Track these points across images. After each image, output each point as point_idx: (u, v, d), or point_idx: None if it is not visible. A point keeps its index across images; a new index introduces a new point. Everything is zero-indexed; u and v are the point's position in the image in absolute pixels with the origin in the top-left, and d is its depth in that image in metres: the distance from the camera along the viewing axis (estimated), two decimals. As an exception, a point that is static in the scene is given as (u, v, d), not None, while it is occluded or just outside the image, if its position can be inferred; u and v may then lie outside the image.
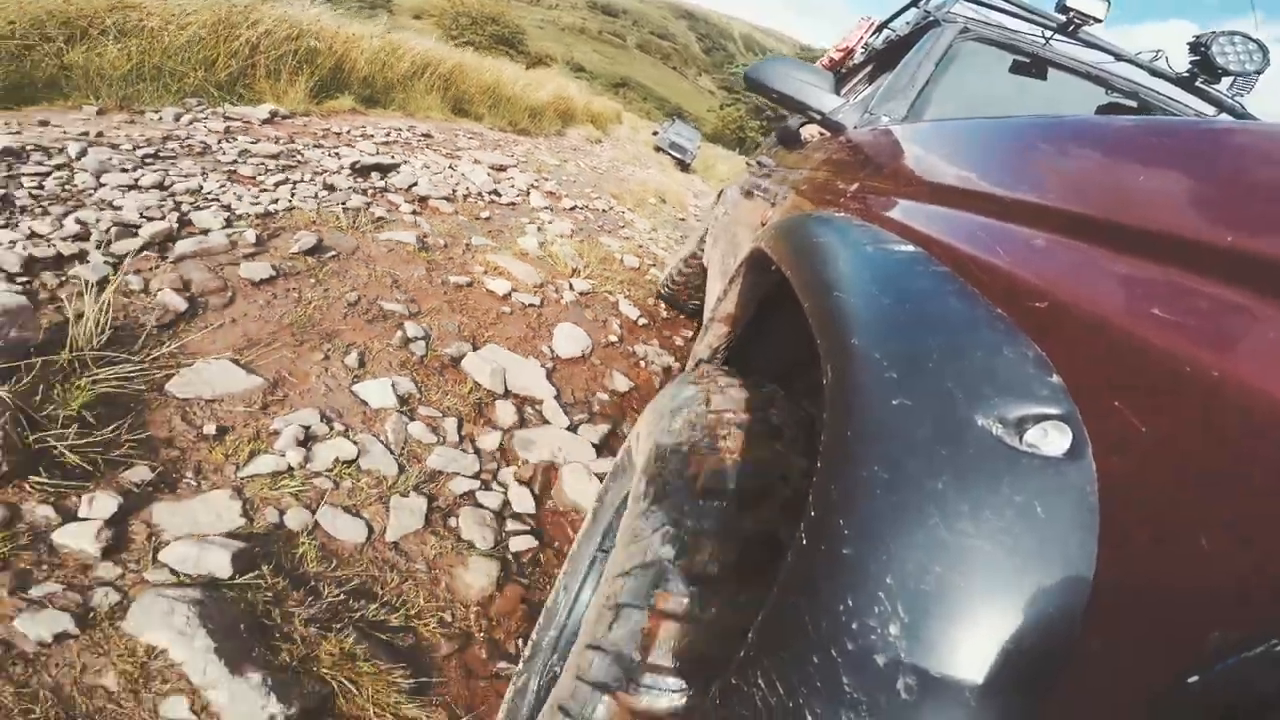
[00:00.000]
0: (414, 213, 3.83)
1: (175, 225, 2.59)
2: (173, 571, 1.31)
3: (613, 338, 3.22)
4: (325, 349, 2.19)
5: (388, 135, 5.75)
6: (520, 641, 1.53)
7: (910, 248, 0.74)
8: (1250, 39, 1.83)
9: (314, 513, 1.58)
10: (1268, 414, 0.35)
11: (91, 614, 1.20)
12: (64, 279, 2.06)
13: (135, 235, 2.43)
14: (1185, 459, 0.38)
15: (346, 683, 1.25)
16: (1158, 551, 0.37)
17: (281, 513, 1.55)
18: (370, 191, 3.93)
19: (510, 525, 1.81)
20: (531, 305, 3.13)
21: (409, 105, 7.71)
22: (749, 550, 0.69)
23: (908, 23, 2.56)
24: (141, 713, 1.09)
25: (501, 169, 5.95)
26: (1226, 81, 2.01)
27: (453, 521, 1.74)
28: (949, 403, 0.48)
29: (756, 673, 0.46)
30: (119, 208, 2.60)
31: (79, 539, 1.30)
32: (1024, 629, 0.40)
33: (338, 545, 1.55)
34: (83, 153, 3.02)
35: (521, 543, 1.76)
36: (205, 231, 2.64)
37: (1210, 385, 0.38)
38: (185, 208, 2.80)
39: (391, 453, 1.86)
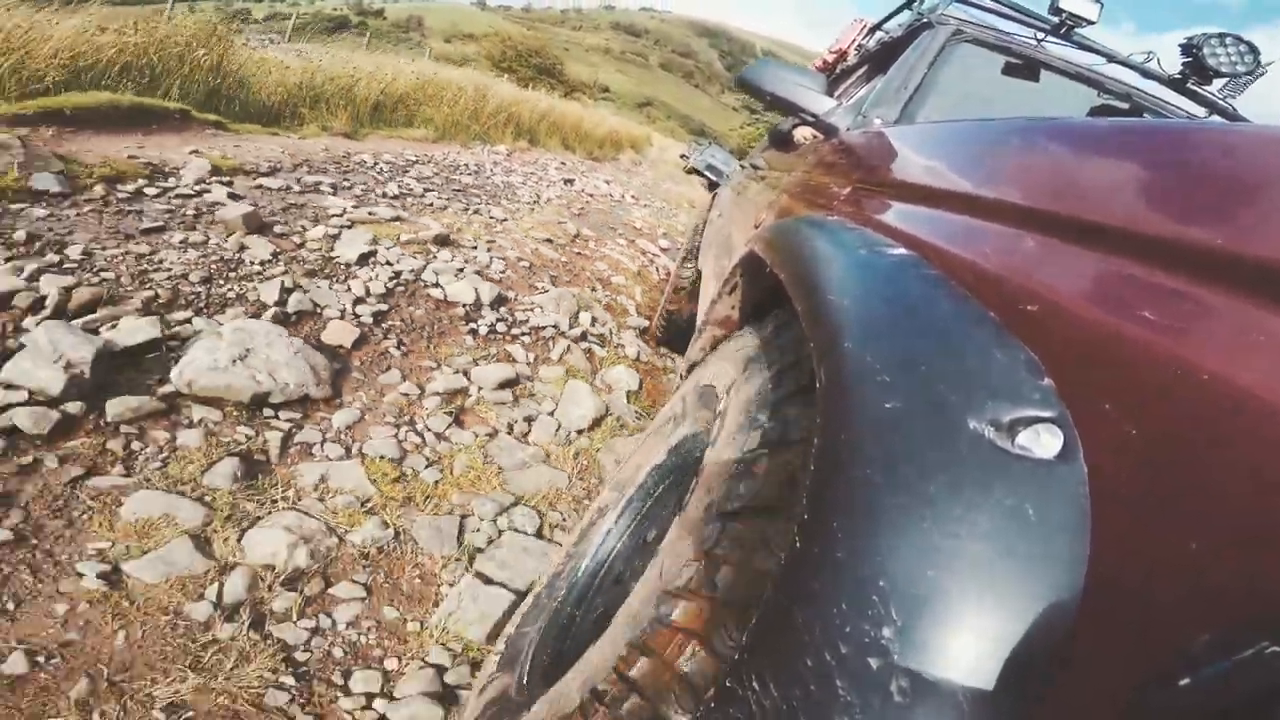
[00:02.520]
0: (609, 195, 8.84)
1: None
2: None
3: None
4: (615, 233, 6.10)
5: (561, 163, 10.94)
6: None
7: (902, 251, 0.75)
8: (1242, 41, 1.86)
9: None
10: (1258, 415, 0.36)
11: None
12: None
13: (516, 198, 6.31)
14: (1176, 461, 0.39)
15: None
16: (1148, 553, 0.38)
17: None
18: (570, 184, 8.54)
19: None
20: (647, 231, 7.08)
21: (546, 144, 12.68)
22: None
23: (901, 25, 2.57)
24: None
25: (607, 182, 10.38)
26: (1219, 83, 2.04)
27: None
28: (941, 406, 0.49)
29: (751, 676, 0.46)
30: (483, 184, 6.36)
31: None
32: (1016, 631, 0.40)
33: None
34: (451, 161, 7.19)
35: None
36: (569, 182, 8.50)
37: (1200, 387, 0.39)
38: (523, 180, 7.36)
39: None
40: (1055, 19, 2.02)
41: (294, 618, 1.40)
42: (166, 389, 1.85)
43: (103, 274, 2.29)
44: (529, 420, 2.35)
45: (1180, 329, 0.43)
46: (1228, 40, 1.87)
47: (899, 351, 0.56)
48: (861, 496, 0.47)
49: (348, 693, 1.29)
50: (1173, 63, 2.07)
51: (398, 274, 3.08)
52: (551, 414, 2.42)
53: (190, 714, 1.15)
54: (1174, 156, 0.60)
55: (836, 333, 0.61)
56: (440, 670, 1.39)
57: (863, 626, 0.42)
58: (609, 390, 2.75)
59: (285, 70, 6.48)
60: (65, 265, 2.28)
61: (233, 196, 3.38)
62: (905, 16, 2.58)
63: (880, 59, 2.37)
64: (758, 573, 0.62)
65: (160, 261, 2.48)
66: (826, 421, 0.54)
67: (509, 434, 2.25)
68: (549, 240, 4.78)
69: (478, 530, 1.77)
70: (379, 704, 1.29)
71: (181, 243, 2.71)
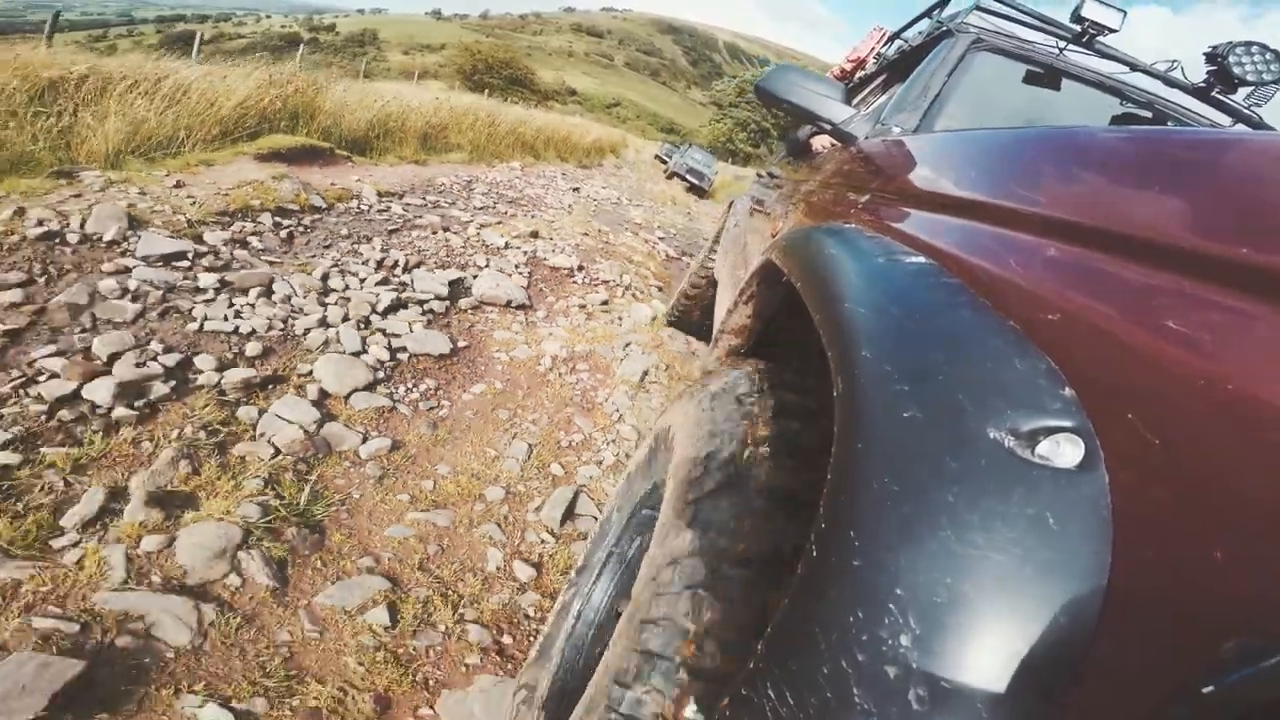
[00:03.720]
0: (608, 199, 10.38)
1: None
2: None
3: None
4: (623, 227, 7.77)
5: (563, 174, 12.23)
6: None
7: (921, 259, 0.75)
8: (1268, 49, 1.85)
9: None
10: None
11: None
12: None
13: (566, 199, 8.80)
14: (1199, 470, 0.39)
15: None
16: (1171, 562, 0.38)
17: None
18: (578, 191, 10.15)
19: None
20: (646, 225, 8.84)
21: (546, 157, 14.01)
22: None
23: (920, 33, 2.58)
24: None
25: (604, 188, 11.86)
26: (1244, 92, 2.02)
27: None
28: (960, 415, 0.49)
29: (766, 684, 0.46)
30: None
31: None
32: (1036, 640, 0.40)
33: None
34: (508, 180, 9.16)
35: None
36: (576, 190, 10.25)
37: (1224, 397, 0.39)
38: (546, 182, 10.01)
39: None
40: (1077, 27, 2.01)
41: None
42: (472, 299, 3.82)
43: (404, 251, 4.25)
44: (619, 318, 4.30)
45: (1203, 339, 0.43)
46: (1254, 49, 1.86)
47: (917, 360, 0.56)
48: (878, 505, 0.47)
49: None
50: (1197, 71, 2.05)
51: (526, 252, 5.12)
52: (624, 317, 4.33)
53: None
54: (1197, 165, 0.60)
55: (854, 341, 0.62)
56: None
57: (880, 634, 0.42)
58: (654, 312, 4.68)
59: (355, 110, 8.17)
60: (383, 247, 4.21)
61: (404, 209, 5.44)
62: (925, 25, 2.59)
63: (899, 67, 2.38)
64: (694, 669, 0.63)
65: (424, 248, 4.52)
66: (844, 430, 0.54)
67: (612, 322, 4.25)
68: (586, 234, 6.58)
69: (626, 344, 3.75)
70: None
71: (419, 236, 4.77)
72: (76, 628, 1.36)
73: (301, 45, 11.19)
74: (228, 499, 1.78)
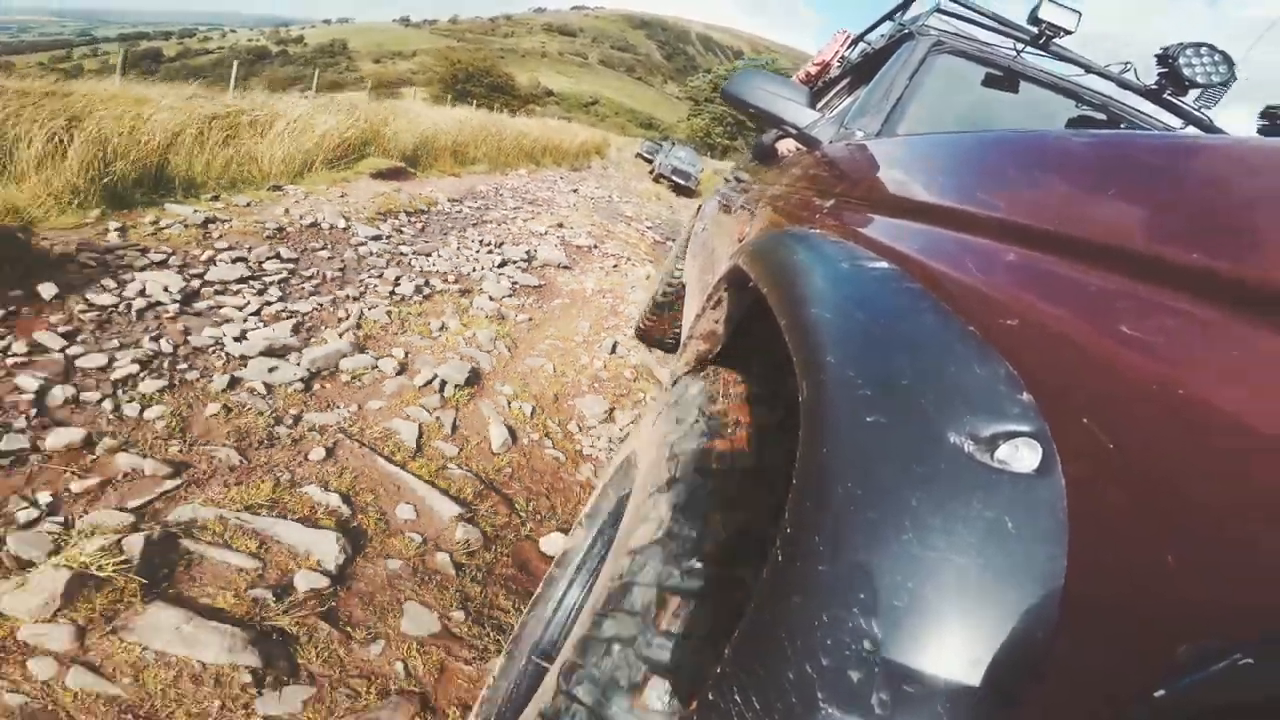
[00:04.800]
0: (602, 197, 12.63)
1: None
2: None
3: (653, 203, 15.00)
4: (618, 220, 10.16)
5: (560, 177, 14.36)
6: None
7: (884, 264, 0.76)
8: (1216, 50, 1.90)
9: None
10: (1235, 429, 0.37)
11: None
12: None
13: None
14: (1153, 475, 0.39)
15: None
16: (1126, 566, 0.39)
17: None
18: (577, 192, 12.33)
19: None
20: (636, 218, 11.23)
21: (543, 163, 15.96)
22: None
23: (883, 35, 2.60)
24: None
25: (597, 188, 13.80)
26: (1194, 94, 2.07)
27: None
28: (922, 420, 0.50)
29: (733, 688, 0.46)
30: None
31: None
32: (995, 643, 0.41)
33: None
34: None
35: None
36: (575, 190, 12.54)
37: (1178, 401, 0.40)
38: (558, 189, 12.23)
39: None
40: (1035, 29, 2.04)
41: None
42: (539, 261, 5.95)
43: (491, 235, 6.37)
44: (626, 275, 6.33)
45: (1158, 344, 0.44)
46: (1203, 50, 1.91)
47: (880, 365, 0.57)
48: (842, 509, 0.47)
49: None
50: (1149, 73, 2.09)
51: (558, 236, 7.28)
52: (628, 274, 6.39)
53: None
54: (1153, 170, 0.61)
55: (819, 347, 0.62)
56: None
57: (844, 639, 0.42)
58: (647, 272, 6.72)
59: (403, 134, 10.03)
60: (477, 233, 6.35)
61: (469, 209, 7.59)
62: (887, 28, 2.61)
63: (862, 71, 2.40)
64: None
65: (499, 233, 6.64)
66: (809, 434, 0.54)
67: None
68: (592, 225, 8.62)
69: (632, 286, 5.90)
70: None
71: (490, 227, 6.84)
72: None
73: (235, 63, 11.36)
74: (474, 328, 3.87)
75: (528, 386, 3.29)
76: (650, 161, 24.55)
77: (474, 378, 3.17)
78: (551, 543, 2.17)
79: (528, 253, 6.00)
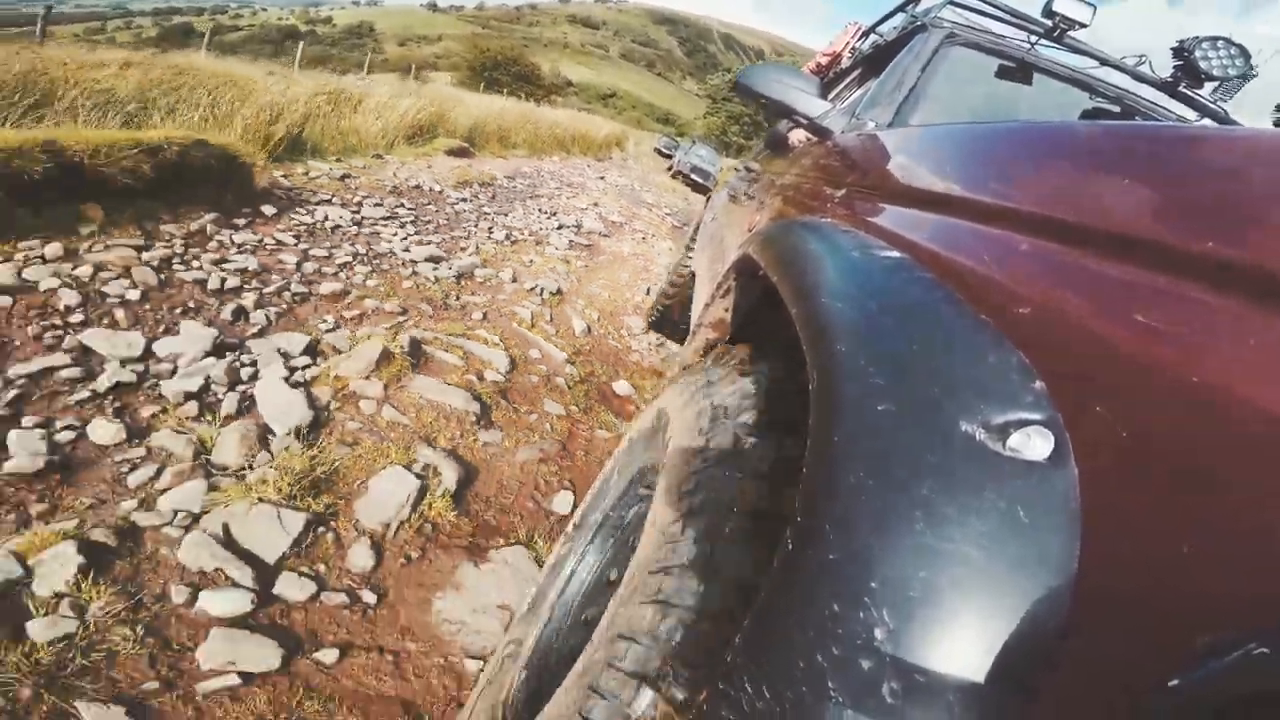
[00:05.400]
0: (626, 186, 14.07)
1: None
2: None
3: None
4: (640, 206, 11.46)
5: (588, 165, 15.98)
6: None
7: (896, 254, 0.74)
8: (1233, 44, 1.85)
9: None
10: (1248, 418, 0.36)
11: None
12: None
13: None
14: (1166, 464, 0.39)
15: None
16: (1139, 555, 0.38)
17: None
18: (603, 180, 13.64)
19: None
20: (656, 205, 12.57)
21: (572, 151, 17.13)
22: None
23: (895, 27, 2.55)
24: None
25: (622, 177, 15.23)
26: (1210, 86, 2.01)
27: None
28: (933, 409, 0.49)
29: (744, 677, 0.46)
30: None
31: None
32: (1007, 632, 0.40)
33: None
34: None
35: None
36: (601, 178, 13.68)
37: (1191, 390, 0.39)
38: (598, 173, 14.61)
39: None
40: (1048, 22, 1.99)
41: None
42: (586, 228, 7.29)
43: (547, 206, 7.98)
44: (652, 246, 7.74)
45: (1171, 333, 0.43)
46: (1219, 43, 1.86)
47: (891, 355, 0.56)
48: (853, 498, 0.47)
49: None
50: (1165, 66, 2.06)
51: (596, 213, 8.42)
52: (654, 246, 7.78)
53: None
54: (1166, 161, 0.60)
55: (829, 336, 0.61)
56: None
57: (855, 628, 0.42)
58: (668, 246, 7.94)
59: (461, 119, 11.32)
60: (536, 204, 7.90)
61: (523, 185, 8.92)
62: (899, 19, 2.58)
63: (874, 62, 2.35)
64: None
65: (553, 205, 8.18)
66: (820, 423, 0.53)
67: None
68: (620, 207, 9.93)
69: (658, 253, 7.47)
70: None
71: (543, 201, 8.21)
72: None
73: (300, 43, 12.28)
74: (550, 264, 5.14)
75: (593, 302, 4.62)
76: (668, 157, 24.41)
77: (558, 291, 4.50)
78: (621, 387, 3.36)
79: (576, 222, 7.39)
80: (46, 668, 1.21)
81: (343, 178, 5.76)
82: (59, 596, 1.35)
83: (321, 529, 1.76)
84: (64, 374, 2.03)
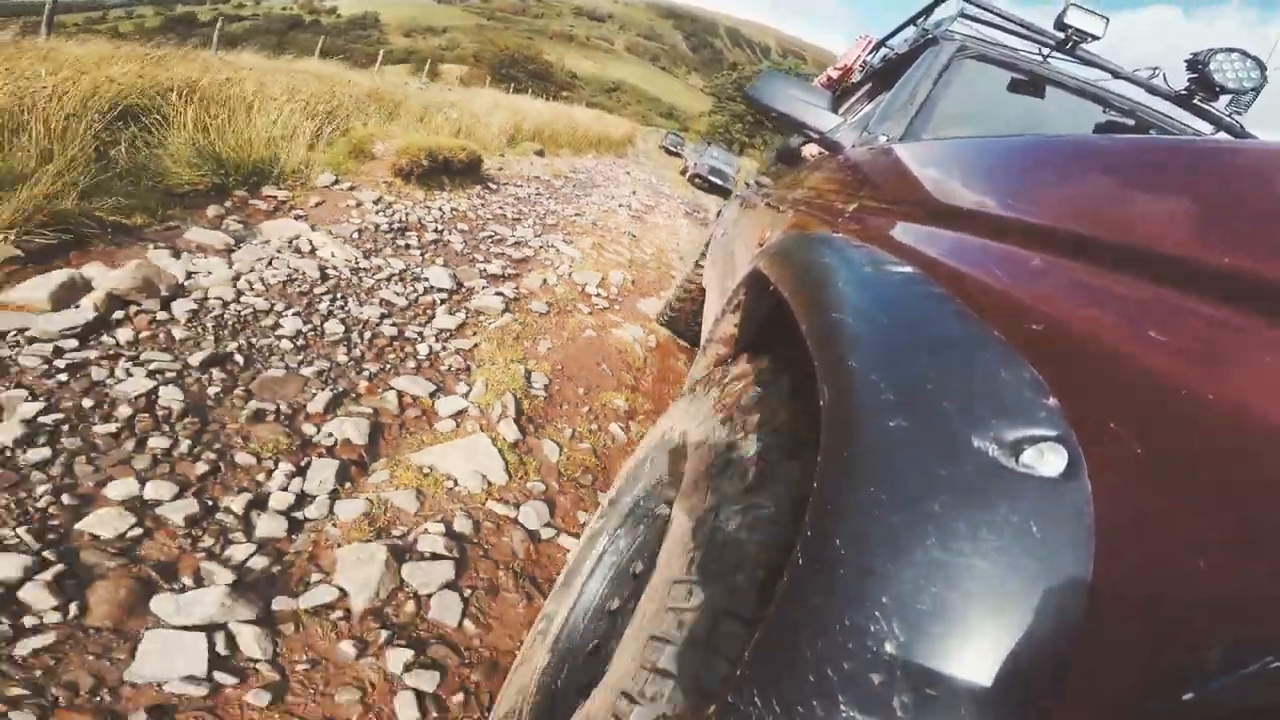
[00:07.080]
0: (646, 179, 16.91)
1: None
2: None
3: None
4: (663, 197, 13.89)
5: (613, 161, 18.95)
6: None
7: (908, 269, 0.74)
8: (1249, 56, 1.83)
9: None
10: (1262, 434, 0.36)
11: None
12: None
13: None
14: (1180, 479, 0.39)
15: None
16: (1153, 571, 0.38)
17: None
18: (629, 174, 16.50)
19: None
20: (671, 195, 15.30)
21: (599, 149, 19.32)
22: None
23: (906, 40, 2.55)
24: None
25: (644, 172, 18.15)
26: (1224, 99, 2.00)
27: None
28: (946, 424, 0.49)
29: (754, 691, 0.46)
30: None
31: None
32: (1019, 648, 0.40)
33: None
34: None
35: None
36: (628, 173, 16.54)
37: (1205, 406, 0.39)
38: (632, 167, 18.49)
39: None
40: (1060, 34, 2.00)
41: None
42: (635, 207, 10.15)
43: (609, 193, 10.81)
44: (675, 223, 10.23)
45: (1187, 349, 0.43)
46: (1234, 56, 1.85)
47: (903, 370, 0.56)
48: (865, 513, 0.47)
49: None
50: (1179, 79, 2.06)
51: (636, 199, 10.99)
52: (676, 223, 10.26)
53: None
54: (1182, 174, 0.60)
55: (841, 351, 0.61)
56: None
57: (866, 643, 0.42)
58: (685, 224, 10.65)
59: (526, 126, 13.75)
60: (599, 192, 10.59)
61: (583, 178, 11.51)
62: (910, 32, 2.57)
63: (885, 75, 2.36)
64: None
65: (610, 191, 11.13)
66: (831, 438, 0.54)
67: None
68: (649, 195, 12.23)
69: (682, 226, 10.31)
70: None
71: (601, 189, 10.89)
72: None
73: (321, 38, 13.48)
74: (626, 226, 7.99)
75: (654, 242, 7.49)
76: (675, 155, 24.89)
77: (635, 235, 7.35)
78: (649, 305, 4.80)
79: (627, 204, 9.88)
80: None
81: (499, 169, 8.63)
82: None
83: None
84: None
